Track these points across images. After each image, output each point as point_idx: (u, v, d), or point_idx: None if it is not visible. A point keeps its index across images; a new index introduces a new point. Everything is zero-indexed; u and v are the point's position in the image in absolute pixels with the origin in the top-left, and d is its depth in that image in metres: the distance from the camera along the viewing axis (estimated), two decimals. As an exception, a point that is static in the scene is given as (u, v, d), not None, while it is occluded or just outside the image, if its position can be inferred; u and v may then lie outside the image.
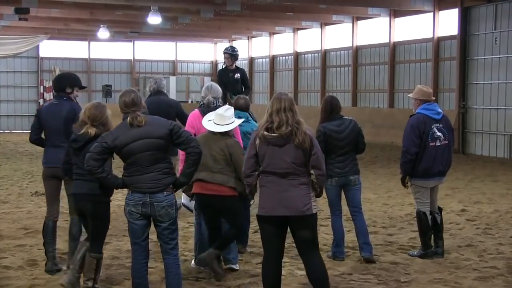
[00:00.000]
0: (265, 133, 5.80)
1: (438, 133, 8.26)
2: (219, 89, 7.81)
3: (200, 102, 7.80)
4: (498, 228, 10.21)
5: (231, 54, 13.14)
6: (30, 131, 7.79)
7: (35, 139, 7.71)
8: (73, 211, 7.23)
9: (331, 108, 8.60)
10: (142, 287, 6.18)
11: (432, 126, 8.24)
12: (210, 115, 7.27)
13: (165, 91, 10.99)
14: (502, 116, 20.75)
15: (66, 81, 7.66)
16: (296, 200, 5.81)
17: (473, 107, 21.93)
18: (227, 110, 7.23)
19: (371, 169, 17.47)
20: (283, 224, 5.92)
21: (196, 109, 7.81)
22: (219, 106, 7.65)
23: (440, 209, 8.68)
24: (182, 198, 7.53)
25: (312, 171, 5.90)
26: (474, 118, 21.90)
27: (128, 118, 5.98)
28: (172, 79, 35.17)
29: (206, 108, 7.62)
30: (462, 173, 16.84)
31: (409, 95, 8.88)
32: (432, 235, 8.49)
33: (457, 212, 11.49)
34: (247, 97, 8.56)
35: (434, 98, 8.62)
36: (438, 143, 8.24)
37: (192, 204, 7.57)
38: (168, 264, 6.18)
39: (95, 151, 5.94)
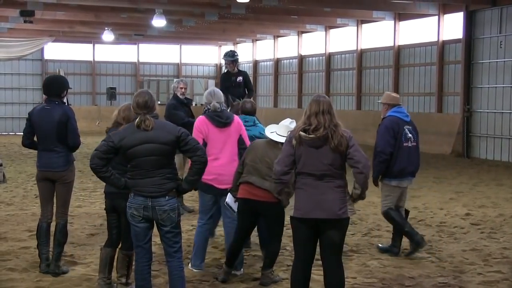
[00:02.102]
0: (302, 133, 5.76)
1: (409, 135, 8.65)
2: (221, 93, 7.87)
3: (205, 108, 7.79)
4: (503, 232, 10.19)
5: (232, 59, 13.14)
6: (22, 135, 7.75)
7: (27, 144, 7.70)
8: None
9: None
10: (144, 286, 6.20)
11: (404, 127, 8.61)
12: (273, 127, 7.34)
13: (176, 93, 11.25)
14: (507, 120, 20.72)
15: (61, 87, 7.61)
16: (332, 203, 5.77)
17: (478, 110, 21.90)
18: (292, 123, 7.25)
19: (375, 172, 17.41)
20: (316, 227, 5.87)
21: (202, 115, 7.81)
22: (224, 110, 7.72)
23: (407, 212, 8.93)
24: (227, 197, 7.52)
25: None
26: (479, 122, 21.87)
27: (137, 120, 5.96)
28: (177, 81, 35.20)
29: (213, 113, 7.63)
30: (467, 177, 16.82)
31: (378, 101, 9.21)
32: (393, 233, 8.78)
33: (461, 216, 11.47)
34: (254, 101, 8.62)
35: (401, 103, 9.04)
36: (410, 144, 8.60)
37: (236, 206, 7.54)
38: (171, 267, 6.16)
39: (101, 150, 5.93)
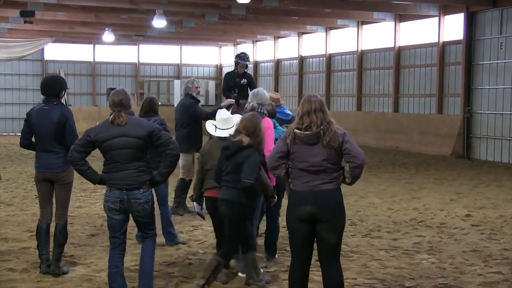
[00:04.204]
0: (297, 131, 5.82)
1: None
2: (265, 95, 7.88)
3: (245, 107, 7.77)
4: (503, 233, 10.19)
5: (246, 64, 13.14)
6: (20, 136, 7.73)
7: (25, 145, 7.67)
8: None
9: (150, 107, 9.07)
10: (118, 276, 6.45)
11: (283, 126, 8.81)
12: (211, 125, 7.38)
13: (192, 93, 11.29)
14: (507, 121, 20.71)
15: (59, 87, 7.59)
16: (325, 187, 5.81)
17: (478, 112, 21.90)
18: (226, 113, 7.39)
19: (375, 173, 17.44)
20: (310, 224, 5.87)
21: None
22: (263, 114, 7.71)
23: None
24: (195, 206, 7.56)
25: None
26: (479, 123, 21.87)
27: (111, 117, 6.36)
28: (177, 82, 35.21)
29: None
30: (467, 178, 16.82)
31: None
32: None
33: (461, 217, 11.47)
34: (273, 104, 8.66)
35: (283, 102, 9.41)
36: None
37: (203, 212, 7.59)
38: (145, 246, 6.57)
39: (79, 144, 6.38)
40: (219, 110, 7.51)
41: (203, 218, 7.69)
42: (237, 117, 7.46)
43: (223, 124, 7.28)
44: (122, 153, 6.28)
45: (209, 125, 7.41)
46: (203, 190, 7.30)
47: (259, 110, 7.72)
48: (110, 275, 6.46)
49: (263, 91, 7.93)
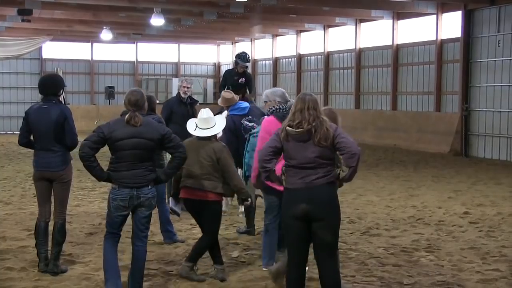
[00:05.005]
0: (289, 129, 5.86)
1: (250, 124, 9.18)
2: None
3: (283, 108, 7.45)
4: (501, 231, 10.20)
5: (247, 65, 13.14)
6: (18, 134, 7.71)
7: (24, 143, 7.64)
8: None
9: (148, 105, 9.09)
10: (112, 262, 6.54)
11: (242, 121, 9.19)
12: (193, 123, 7.38)
13: (180, 91, 11.53)
14: (505, 118, 20.73)
15: (57, 86, 7.58)
16: (318, 180, 5.82)
17: (476, 109, 21.91)
18: (209, 113, 7.37)
19: (373, 171, 17.45)
20: (306, 222, 5.87)
21: (271, 115, 7.50)
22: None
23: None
24: (170, 202, 7.59)
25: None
26: (477, 121, 21.88)
27: (127, 116, 6.38)
28: (175, 80, 35.21)
29: (285, 112, 7.29)
30: (465, 175, 16.83)
31: (219, 103, 10.07)
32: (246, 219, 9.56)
33: (460, 215, 11.48)
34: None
35: (237, 98, 9.67)
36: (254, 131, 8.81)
37: (178, 208, 7.64)
38: (139, 251, 6.57)
39: (92, 140, 6.36)
40: (201, 109, 7.47)
41: (177, 214, 7.72)
42: (219, 117, 7.45)
43: (203, 123, 7.27)
44: (134, 153, 6.34)
45: (190, 124, 7.40)
46: (180, 187, 7.41)
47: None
48: (107, 262, 6.54)
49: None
